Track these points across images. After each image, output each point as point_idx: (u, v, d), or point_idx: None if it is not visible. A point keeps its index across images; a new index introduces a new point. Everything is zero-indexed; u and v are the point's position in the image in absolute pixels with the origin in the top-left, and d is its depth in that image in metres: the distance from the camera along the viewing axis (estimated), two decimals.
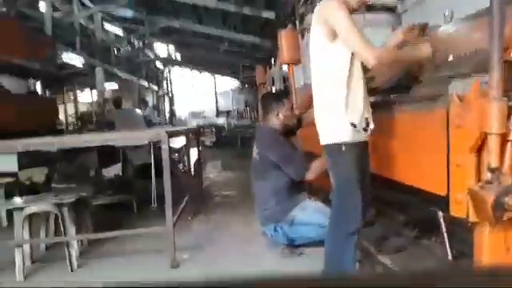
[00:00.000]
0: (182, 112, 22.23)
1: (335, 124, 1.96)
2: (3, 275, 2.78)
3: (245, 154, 6.15)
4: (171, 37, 14.69)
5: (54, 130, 6.95)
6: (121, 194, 4.39)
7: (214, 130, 15.20)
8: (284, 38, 3.64)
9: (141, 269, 2.78)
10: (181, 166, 6.46)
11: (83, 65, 9.91)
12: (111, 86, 14.20)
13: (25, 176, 4.50)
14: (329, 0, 1.92)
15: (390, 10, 5.29)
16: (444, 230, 1.96)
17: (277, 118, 3.07)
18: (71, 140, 3.56)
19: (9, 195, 3.78)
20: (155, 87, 17.62)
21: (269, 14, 9.45)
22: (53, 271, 2.84)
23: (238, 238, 3.32)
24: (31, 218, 2.87)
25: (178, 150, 6.46)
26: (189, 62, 19.73)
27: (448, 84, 1.81)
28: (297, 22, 6.97)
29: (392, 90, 2.43)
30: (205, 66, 20.51)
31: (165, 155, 2.83)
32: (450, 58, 2.06)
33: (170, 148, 2.98)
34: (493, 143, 1.43)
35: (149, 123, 7.89)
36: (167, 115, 19.32)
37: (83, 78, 11.29)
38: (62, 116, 10.00)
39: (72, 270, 2.78)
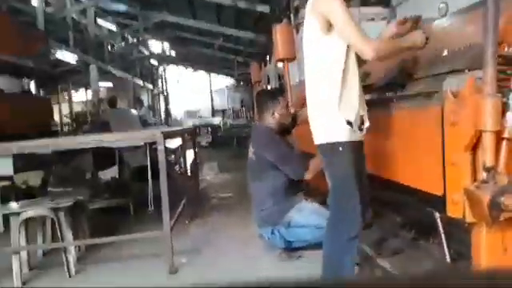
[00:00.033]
0: (177, 111, 22.01)
1: (329, 123, 1.90)
2: (1, 282, 2.75)
3: (241, 154, 6.12)
4: (165, 33, 14.58)
5: (49, 131, 6.88)
6: (118, 197, 4.34)
7: (209, 129, 15.13)
8: (279, 33, 3.59)
9: (138, 274, 2.76)
10: (177, 167, 6.42)
11: (77, 61, 9.78)
12: (106, 85, 14.10)
13: (20, 179, 4.44)
14: None
15: (385, 3, 5.29)
16: (441, 231, 1.94)
17: (272, 117, 3.01)
18: (66, 142, 3.51)
19: (4, 200, 3.75)
20: (150, 86, 17.51)
21: (263, 8, 9.34)
22: (51, 278, 2.81)
23: (236, 241, 3.30)
24: (27, 222, 2.85)
25: (174, 151, 6.42)
26: (183, 59, 19.60)
27: (442, 80, 1.80)
28: (291, 16, 6.94)
29: (386, 87, 2.41)
30: (199, 63, 20.41)
31: (161, 157, 2.77)
32: (445, 53, 2.04)
33: (166, 149, 2.94)
34: (487, 141, 1.41)
35: (144, 123, 7.82)
36: (162, 115, 19.21)
37: (77, 77, 11.19)
38: (56, 116, 9.92)
39: (70, 276, 2.76)
